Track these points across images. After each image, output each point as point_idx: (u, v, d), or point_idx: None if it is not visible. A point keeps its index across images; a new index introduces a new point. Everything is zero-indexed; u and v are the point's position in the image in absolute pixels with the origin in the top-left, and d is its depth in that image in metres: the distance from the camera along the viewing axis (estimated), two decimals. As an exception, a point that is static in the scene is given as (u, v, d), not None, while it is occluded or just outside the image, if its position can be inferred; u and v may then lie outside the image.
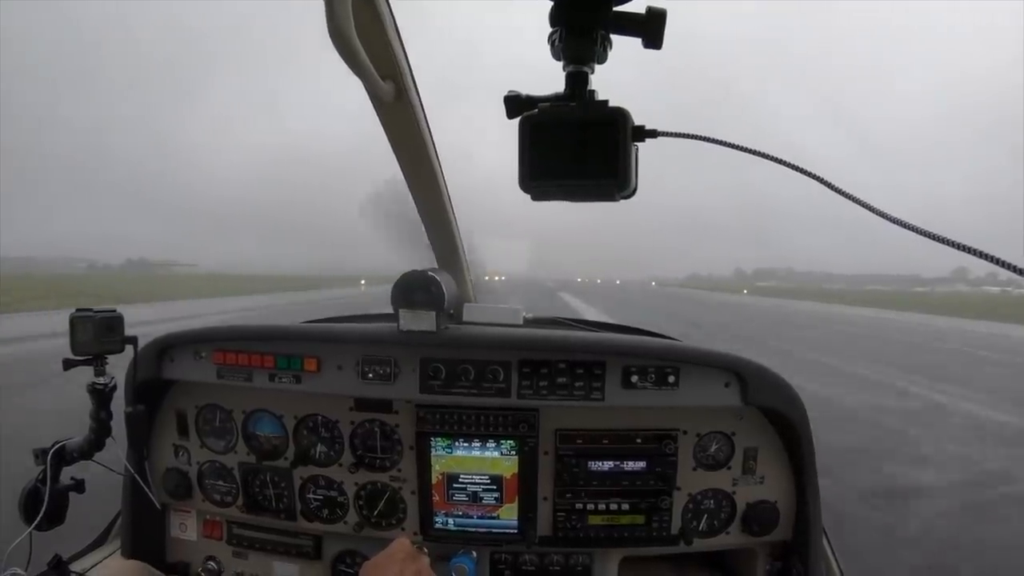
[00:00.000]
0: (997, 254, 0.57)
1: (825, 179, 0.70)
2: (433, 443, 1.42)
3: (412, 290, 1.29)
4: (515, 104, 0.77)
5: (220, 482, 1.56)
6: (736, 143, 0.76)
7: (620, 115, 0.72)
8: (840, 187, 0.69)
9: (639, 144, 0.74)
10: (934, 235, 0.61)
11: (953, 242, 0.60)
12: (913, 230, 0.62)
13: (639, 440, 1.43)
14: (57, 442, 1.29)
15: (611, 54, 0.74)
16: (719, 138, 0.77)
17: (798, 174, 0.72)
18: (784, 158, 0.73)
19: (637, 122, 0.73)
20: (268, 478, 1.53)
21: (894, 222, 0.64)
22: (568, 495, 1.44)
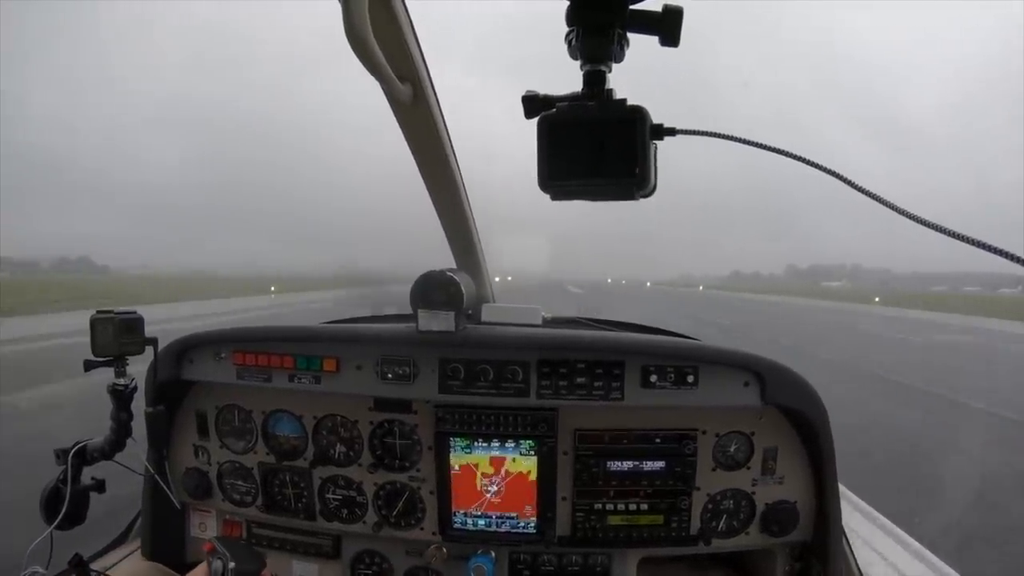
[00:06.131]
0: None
1: (846, 177, 0.69)
2: (452, 443, 1.42)
3: (431, 290, 1.29)
4: (533, 104, 0.77)
5: (240, 482, 1.58)
6: (755, 140, 0.75)
7: (638, 114, 0.72)
8: (862, 185, 0.68)
9: (658, 143, 0.74)
10: (961, 235, 0.60)
11: (973, 239, 0.58)
12: (944, 232, 0.61)
13: (658, 440, 1.42)
14: (78, 442, 1.30)
15: (628, 52, 0.74)
16: (738, 135, 0.76)
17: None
18: (806, 156, 0.72)
19: (655, 120, 0.73)
20: (287, 478, 1.54)
21: (918, 221, 0.63)
22: (587, 495, 1.44)
